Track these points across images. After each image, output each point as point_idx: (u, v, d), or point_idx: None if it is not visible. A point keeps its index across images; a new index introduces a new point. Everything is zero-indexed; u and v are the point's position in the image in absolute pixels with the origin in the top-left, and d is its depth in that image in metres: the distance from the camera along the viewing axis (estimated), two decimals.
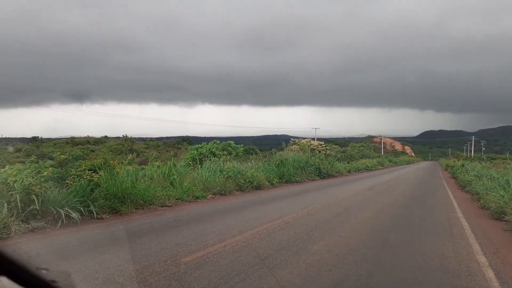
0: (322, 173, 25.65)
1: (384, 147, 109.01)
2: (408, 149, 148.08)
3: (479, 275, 5.35)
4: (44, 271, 0.87)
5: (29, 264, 0.83)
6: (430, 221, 9.78)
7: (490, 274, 5.43)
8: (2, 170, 10.01)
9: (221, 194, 14.15)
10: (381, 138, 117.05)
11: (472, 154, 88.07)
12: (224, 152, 21.63)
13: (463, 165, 31.59)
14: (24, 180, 8.12)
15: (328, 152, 34.32)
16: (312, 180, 23.60)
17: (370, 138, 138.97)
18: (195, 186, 13.36)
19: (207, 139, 25.97)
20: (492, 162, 40.85)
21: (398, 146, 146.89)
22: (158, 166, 14.01)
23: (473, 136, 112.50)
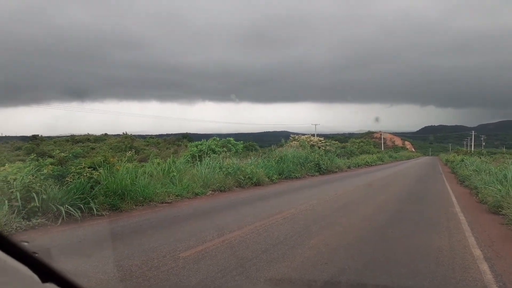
0: (322, 169, 25.74)
1: (384, 143, 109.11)
2: (408, 145, 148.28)
3: (474, 268, 5.42)
4: (26, 244, 0.94)
5: (12, 236, 0.90)
6: (428, 216, 9.86)
7: (484, 267, 5.51)
8: (2, 168, 10.11)
9: (221, 191, 14.24)
10: (381, 134, 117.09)
11: (472, 149, 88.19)
12: (224, 149, 21.70)
13: (462, 160, 31.68)
14: (24, 178, 8.20)
15: (327, 148, 34.39)
16: (311, 176, 23.69)
17: (370, 133, 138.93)
18: (194, 182, 13.45)
19: (207, 136, 26.03)
20: (492, 156, 40.94)
21: (398, 142, 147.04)
22: (158, 163, 14.09)
23: (473, 131, 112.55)
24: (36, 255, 0.89)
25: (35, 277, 0.84)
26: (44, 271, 0.89)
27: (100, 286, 4.46)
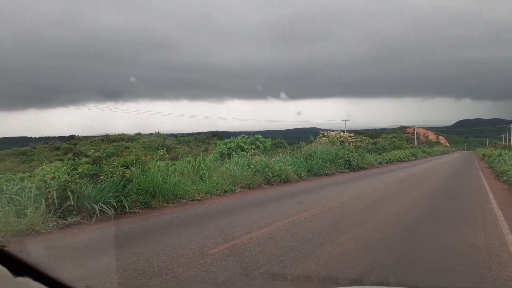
0: (352, 166, 25.35)
1: (417, 138, 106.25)
2: (442, 139, 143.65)
3: (511, 267, 5.21)
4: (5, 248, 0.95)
5: None
6: (462, 212, 9.54)
7: None
8: (41, 168, 10.56)
9: (250, 188, 14.31)
10: (414, 129, 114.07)
11: (511, 142, 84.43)
12: (252, 146, 21.77)
13: (500, 154, 30.42)
14: (60, 177, 8.53)
15: (358, 144, 33.86)
16: (341, 172, 23.40)
17: (402, 128, 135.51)
18: (223, 180, 13.58)
19: (236, 134, 26.19)
20: None
21: (432, 136, 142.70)
22: (188, 161, 14.31)
23: None
24: (5, 248, 0.90)
25: (5, 270, 0.85)
26: (17, 266, 0.89)
27: (131, 282, 4.59)
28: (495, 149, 46.92)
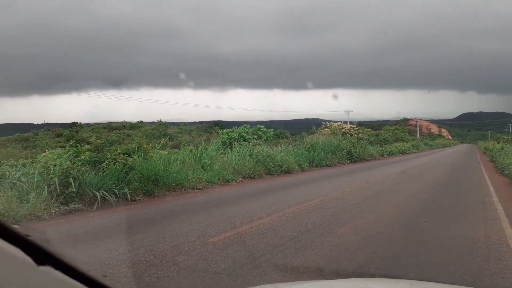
0: (354, 157, 25.36)
1: (419, 130, 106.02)
2: (445, 132, 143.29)
3: (510, 260, 5.23)
4: (17, 226, 0.95)
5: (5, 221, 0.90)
6: (463, 206, 9.55)
7: None
8: (43, 154, 10.58)
9: (251, 178, 14.34)
10: (416, 121, 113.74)
11: None
12: (254, 136, 21.76)
13: (502, 148, 30.36)
14: (62, 163, 8.56)
15: (360, 135, 33.79)
16: (343, 164, 23.40)
17: (405, 121, 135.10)
18: (225, 169, 13.61)
19: (238, 124, 26.13)
20: None
21: (435, 129, 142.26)
22: (190, 150, 14.33)
23: None
24: (30, 237, 0.90)
25: (29, 259, 0.86)
26: (40, 254, 0.90)
27: (132, 269, 4.63)
28: (497, 143, 46.80)
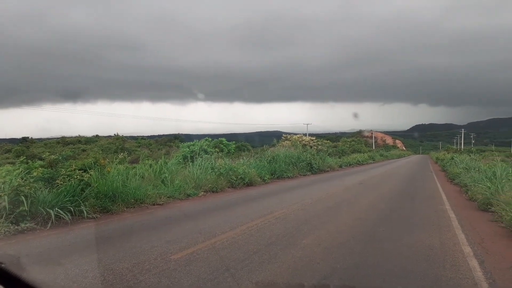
0: (314, 168, 25.81)
1: (375, 142, 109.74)
2: (399, 143, 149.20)
3: (464, 265, 5.48)
4: None
5: None
6: (419, 214, 9.92)
7: (474, 263, 5.57)
8: None
9: (213, 191, 14.20)
10: (372, 133, 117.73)
11: (462, 146, 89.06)
12: (216, 149, 21.64)
13: (452, 158, 31.97)
14: (13, 181, 8.09)
15: (319, 147, 34.46)
16: (304, 175, 23.73)
17: (361, 132, 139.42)
18: (186, 184, 13.39)
19: (199, 137, 25.87)
20: (481, 154, 41.40)
21: (389, 140, 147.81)
22: (150, 165, 14.00)
23: (463, 129, 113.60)
24: (3, 265, 0.85)
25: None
26: (13, 281, 0.84)
27: None
28: (448, 153, 49.26)
